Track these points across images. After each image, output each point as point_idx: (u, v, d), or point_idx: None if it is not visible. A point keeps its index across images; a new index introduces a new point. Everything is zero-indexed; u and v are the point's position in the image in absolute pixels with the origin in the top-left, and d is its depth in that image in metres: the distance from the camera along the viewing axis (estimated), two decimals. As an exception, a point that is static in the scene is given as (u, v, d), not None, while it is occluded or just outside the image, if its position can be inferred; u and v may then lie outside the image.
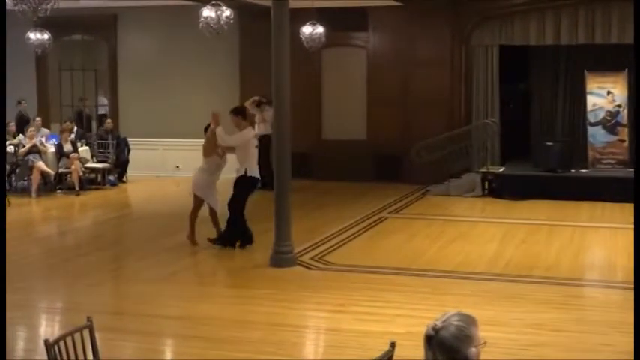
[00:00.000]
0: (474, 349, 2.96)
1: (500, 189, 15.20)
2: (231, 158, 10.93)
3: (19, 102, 18.06)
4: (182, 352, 6.87)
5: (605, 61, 16.32)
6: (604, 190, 14.31)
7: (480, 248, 10.88)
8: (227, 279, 9.57)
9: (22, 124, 17.59)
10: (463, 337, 2.95)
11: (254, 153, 10.73)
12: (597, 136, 15.59)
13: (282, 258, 9.73)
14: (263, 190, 15.88)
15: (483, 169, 15.87)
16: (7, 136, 16.34)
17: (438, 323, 2.96)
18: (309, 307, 8.20)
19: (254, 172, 10.61)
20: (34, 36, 14.27)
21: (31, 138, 15.84)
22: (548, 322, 7.48)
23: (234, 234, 10.66)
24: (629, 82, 15.10)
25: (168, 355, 7.11)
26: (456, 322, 2.97)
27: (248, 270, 9.72)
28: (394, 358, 4.00)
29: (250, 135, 10.64)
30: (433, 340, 2.94)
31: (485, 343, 3.03)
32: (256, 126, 16.19)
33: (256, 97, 16.24)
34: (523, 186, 15.06)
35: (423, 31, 16.64)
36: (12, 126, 16.93)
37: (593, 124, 15.67)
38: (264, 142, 16.08)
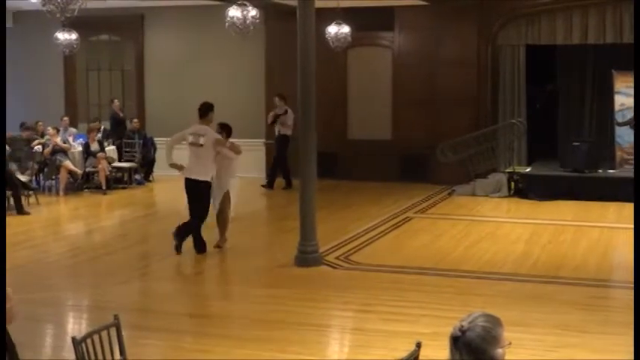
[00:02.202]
0: (499, 350, 2.96)
1: (527, 189, 15.12)
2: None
3: (112, 101, 18.11)
4: (207, 351, 6.89)
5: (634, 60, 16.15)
6: (632, 190, 14.17)
7: (506, 249, 10.83)
8: (252, 278, 9.59)
9: (116, 125, 17.71)
10: (489, 338, 2.95)
11: None
12: (625, 136, 15.46)
13: (307, 257, 9.74)
14: (286, 189, 16.07)
15: (510, 169, 15.79)
16: (36, 135, 16.49)
17: (465, 324, 2.96)
18: (335, 307, 8.20)
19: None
20: (62, 36, 14.38)
21: (53, 136, 15.96)
22: (574, 323, 7.43)
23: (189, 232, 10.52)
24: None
25: (194, 353, 7.13)
26: (482, 323, 2.96)
27: (273, 269, 9.74)
28: (420, 358, 3.99)
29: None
30: (459, 340, 2.94)
31: (510, 343, 3.03)
32: (278, 126, 16.35)
33: (276, 98, 16.38)
34: (550, 186, 14.96)
35: (449, 31, 16.58)
36: (40, 125, 17.08)
37: (620, 124, 15.54)
38: (282, 142, 16.22)
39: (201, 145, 10.29)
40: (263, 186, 16.21)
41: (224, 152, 10.45)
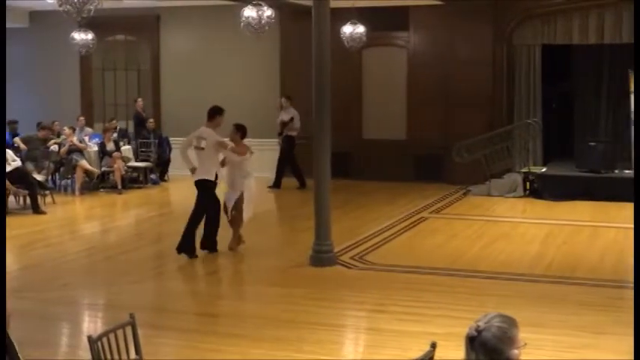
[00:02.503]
0: (515, 351, 2.96)
1: (542, 189, 15.07)
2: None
3: (135, 100, 18.14)
4: (222, 350, 6.90)
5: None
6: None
7: (522, 249, 10.79)
8: (267, 278, 9.60)
9: (138, 124, 17.78)
10: (505, 338, 2.95)
11: None
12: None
13: (322, 257, 9.74)
14: (300, 189, 16.08)
15: (525, 170, 15.74)
16: (52, 135, 16.58)
17: (480, 324, 2.95)
18: (349, 307, 8.20)
19: None
20: (78, 36, 14.46)
21: (69, 136, 16.03)
22: (590, 324, 7.39)
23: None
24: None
25: (208, 352, 7.14)
26: (497, 324, 2.96)
27: (288, 269, 9.74)
28: (434, 358, 3.99)
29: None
30: (475, 341, 2.94)
31: (525, 344, 3.02)
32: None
33: (282, 98, 16.43)
34: (565, 186, 14.91)
35: (464, 31, 16.55)
36: (56, 125, 17.16)
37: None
38: (288, 143, 16.25)
39: (203, 149, 10.32)
40: (270, 187, 16.16)
41: (227, 155, 10.45)
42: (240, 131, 10.68)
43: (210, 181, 10.33)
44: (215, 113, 10.56)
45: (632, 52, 15.76)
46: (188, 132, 10.99)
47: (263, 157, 15.74)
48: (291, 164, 16.24)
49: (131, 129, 18.64)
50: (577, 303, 8.11)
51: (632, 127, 15.56)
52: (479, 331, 2.94)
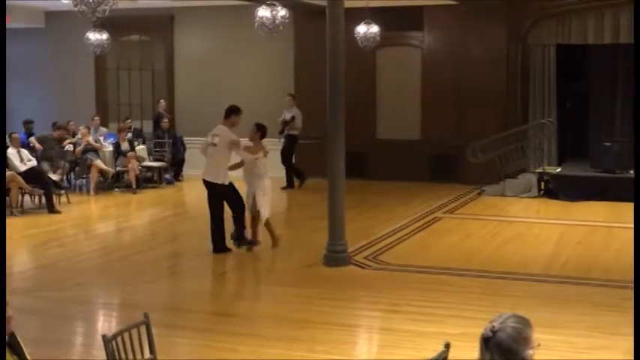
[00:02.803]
0: (530, 351, 2.96)
1: (557, 190, 15.01)
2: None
3: (158, 101, 18.13)
4: (235, 350, 6.91)
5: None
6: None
7: (536, 249, 10.76)
8: (280, 278, 9.61)
9: (157, 124, 17.82)
10: (520, 339, 2.95)
11: None
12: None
13: (335, 257, 9.73)
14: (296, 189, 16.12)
15: (540, 170, 15.69)
16: (67, 135, 16.65)
17: (495, 325, 2.95)
18: (363, 307, 8.19)
19: None
20: (93, 36, 14.51)
21: (85, 136, 16.09)
22: (605, 325, 7.36)
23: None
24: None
25: (222, 352, 7.15)
26: (512, 324, 2.96)
27: (301, 269, 9.75)
28: (448, 359, 3.98)
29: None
30: (490, 341, 2.93)
31: (539, 345, 3.02)
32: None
33: (287, 96, 16.42)
34: (580, 187, 14.84)
35: (478, 30, 16.50)
36: (71, 125, 17.23)
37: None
38: (289, 142, 16.25)
39: (215, 145, 10.36)
40: (283, 188, 16.15)
41: (240, 154, 10.47)
42: (260, 131, 10.72)
43: (217, 184, 10.35)
44: (231, 112, 10.59)
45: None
46: (202, 131, 11.03)
47: (277, 157, 15.74)
48: (288, 163, 16.28)
49: (146, 129, 18.69)
50: (591, 304, 8.08)
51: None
52: (494, 331, 2.94)
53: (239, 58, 18.04)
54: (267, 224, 10.66)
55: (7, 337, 3.65)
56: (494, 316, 3.07)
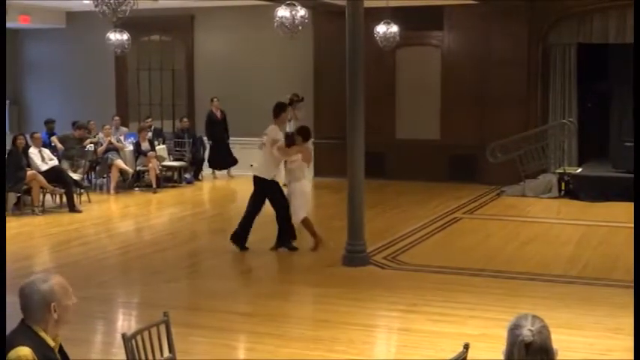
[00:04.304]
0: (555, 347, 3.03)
1: (578, 190, 14.92)
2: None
3: (212, 100, 17.82)
4: (254, 349, 6.93)
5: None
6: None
7: (557, 250, 10.70)
8: (300, 277, 9.61)
9: (210, 125, 17.73)
10: (550, 336, 3.02)
11: None
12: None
13: (355, 257, 9.73)
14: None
15: (560, 170, 15.60)
16: (88, 134, 16.72)
17: (532, 328, 3.00)
18: (381, 307, 8.18)
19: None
20: (113, 36, 14.58)
21: (107, 135, 16.18)
22: (626, 326, 7.29)
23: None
24: None
25: (241, 351, 7.18)
26: (541, 324, 3.04)
27: (321, 269, 9.74)
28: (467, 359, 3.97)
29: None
30: (532, 345, 2.98)
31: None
32: (287, 123, 16.29)
33: (288, 95, 16.41)
34: (601, 187, 14.75)
35: (499, 30, 16.43)
36: (92, 124, 17.32)
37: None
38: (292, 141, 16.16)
39: (264, 144, 10.58)
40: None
41: (275, 154, 10.51)
42: (300, 133, 10.72)
43: (265, 180, 10.49)
44: (279, 110, 10.78)
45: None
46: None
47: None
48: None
49: (167, 128, 18.76)
50: (613, 305, 8.02)
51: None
52: (534, 334, 2.99)
53: (259, 58, 18.06)
54: (307, 226, 10.66)
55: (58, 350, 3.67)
56: (513, 318, 3.08)
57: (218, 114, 17.74)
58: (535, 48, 16.44)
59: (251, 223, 10.60)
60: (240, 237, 10.61)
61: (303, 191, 10.60)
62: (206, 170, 17.85)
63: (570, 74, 16.35)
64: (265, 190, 10.52)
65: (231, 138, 17.82)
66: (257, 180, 10.62)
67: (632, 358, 6.51)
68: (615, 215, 13.20)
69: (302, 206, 10.55)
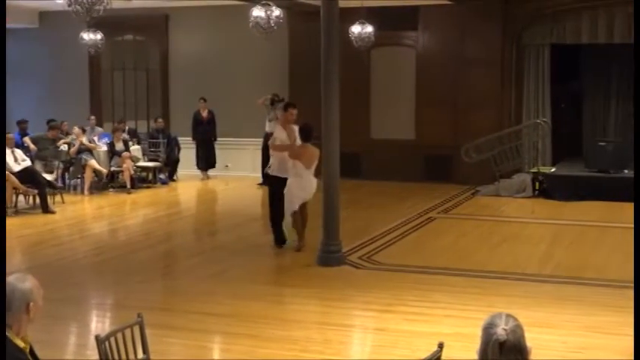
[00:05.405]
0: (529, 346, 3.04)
1: (552, 190, 15.02)
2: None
3: (200, 100, 17.68)
4: (229, 350, 6.91)
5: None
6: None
7: (531, 249, 10.77)
8: (275, 278, 9.61)
9: (195, 124, 17.68)
10: (523, 335, 3.02)
11: None
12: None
13: (330, 257, 9.73)
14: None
15: (534, 170, 15.70)
16: (61, 135, 16.61)
17: (506, 327, 3.00)
18: (357, 307, 8.19)
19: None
20: (87, 36, 14.48)
21: (79, 135, 16.06)
22: (599, 324, 7.37)
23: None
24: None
25: (216, 352, 7.16)
26: (515, 323, 3.05)
27: (296, 269, 9.75)
28: (442, 359, 3.98)
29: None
30: (506, 344, 2.99)
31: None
32: (267, 124, 16.35)
33: (269, 95, 16.44)
34: (575, 187, 14.86)
35: (473, 31, 16.51)
36: (65, 124, 17.19)
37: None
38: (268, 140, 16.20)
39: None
40: (260, 184, 16.30)
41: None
42: (301, 133, 10.57)
43: (279, 177, 10.57)
44: (284, 109, 10.93)
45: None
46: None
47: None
48: (263, 159, 16.33)
49: (141, 129, 18.68)
50: (585, 303, 8.09)
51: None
52: (507, 333, 2.99)
53: (233, 58, 18.02)
54: (295, 225, 10.63)
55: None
56: (487, 317, 3.09)
57: (204, 114, 17.68)
58: (509, 48, 16.53)
59: (277, 222, 10.64)
60: (278, 239, 10.70)
61: (290, 190, 10.51)
62: (181, 171, 17.76)
63: (544, 75, 16.47)
64: (275, 187, 10.63)
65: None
66: (269, 178, 10.76)
67: (607, 356, 6.58)
68: (588, 214, 13.31)
69: (287, 203, 10.56)
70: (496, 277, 9.22)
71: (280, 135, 10.66)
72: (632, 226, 12.02)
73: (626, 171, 15.00)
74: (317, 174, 10.45)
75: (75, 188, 16.22)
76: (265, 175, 10.85)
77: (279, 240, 10.71)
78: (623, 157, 15.13)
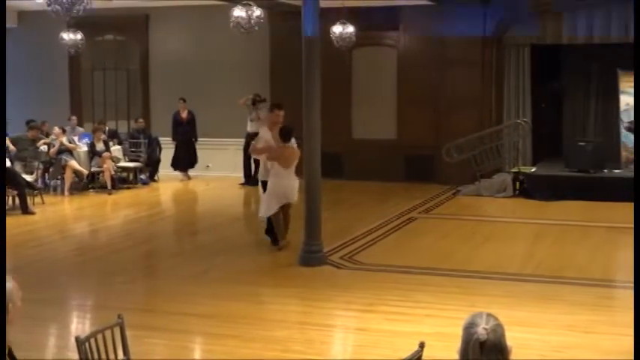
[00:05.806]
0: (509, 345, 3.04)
1: (532, 189, 15.08)
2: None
3: (179, 100, 17.58)
4: (211, 351, 6.89)
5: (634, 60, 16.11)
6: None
7: (511, 249, 10.81)
8: (256, 278, 9.59)
9: (175, 125, 17.65)
10: (504, 334, 3.02)
11: None
12: (630, 135, 15.41)
13: (311, 257, 9.73)
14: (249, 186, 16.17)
15: (515, 170, 15.76)
16: (41, 135, 16.51)
17: (487, 327, 3.00)
18: (338, 307, 8.19)
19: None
20: (67, 36, 14.41)
21: (59, 136, 15.97)
22: (580, 323, 7.41)
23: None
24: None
25: (198, 353, 7.14)
26: (495, 322, 3.04)
27: (277, 269, 9.74)
28: (423, 358, 3.98)
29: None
30: (487, 344, 2.98)
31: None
32: (249, 124, 16.33)
33: (251, 96, 16.43)
34: (555, 186, 14.93)
35: (454, 31, 16.53)
36: (45, 125, 17.08)
37: (628, 129, 15.50)
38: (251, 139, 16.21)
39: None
40: (241, 184, 16.32)
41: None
42: (280, 133, 10.49)
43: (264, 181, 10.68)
44: (270, 110, 11.08)
45: (622, 51, 15.91)
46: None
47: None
48: (244, 159, 16.34)
49: (121, 129, 18.60)
50: (566, 302, 8.13)
51: (621, 127, 15.62)
52: (488, 333, 2.99)
53: (214, 58, 17.97)
54: (275, 225, 10.61)
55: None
56: (468, 317, 3.09)
57: (184, 115, 17.62)
58: (490, 49, 16.58)
59: (275, 223, 10.59)
60: (275, 240, 10.67)
61: (268, 191, 10.50)
62: (162, 171, 17.69)
63: (524, 75, 16.53)
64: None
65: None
66: (264, 183, 10.75)
67: (588, 355, 6.61)
68: (568, 214, 13.37)
69: (264, 203, 10.55)
70: (477, 276, 9.25)
71: (265, 135, 10.64)
72: (613, 225, 12.18)
73: (605, 171, 15.10)
74: (298, 174, 10.45)
75: (55, 189, 16.12)
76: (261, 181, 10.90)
77: (276, 240, 10.70)
78: (602, 157, 15.22)
